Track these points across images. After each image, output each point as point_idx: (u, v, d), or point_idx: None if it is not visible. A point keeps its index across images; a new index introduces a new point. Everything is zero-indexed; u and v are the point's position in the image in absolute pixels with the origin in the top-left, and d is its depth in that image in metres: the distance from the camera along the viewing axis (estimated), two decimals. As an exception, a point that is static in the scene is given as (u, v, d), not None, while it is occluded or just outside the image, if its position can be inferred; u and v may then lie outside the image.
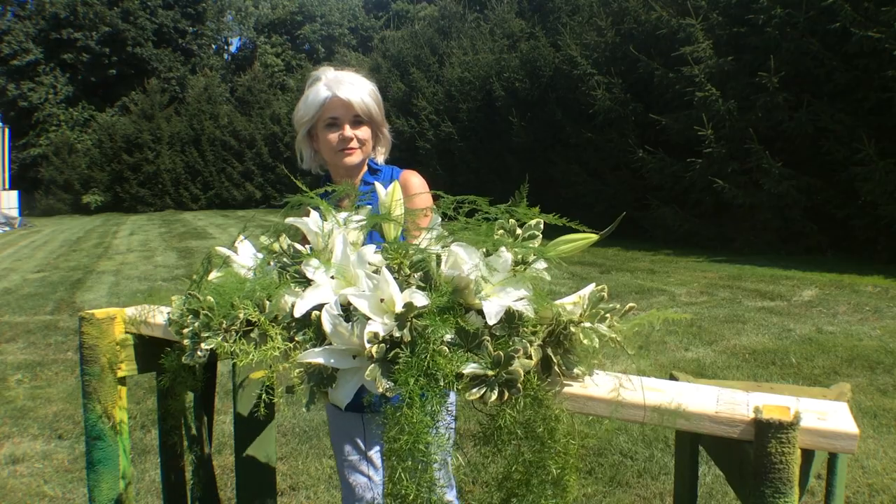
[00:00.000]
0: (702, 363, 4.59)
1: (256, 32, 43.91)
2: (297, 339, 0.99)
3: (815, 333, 5.20)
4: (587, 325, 0.92)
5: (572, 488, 0.90)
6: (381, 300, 0.94)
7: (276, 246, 1.18)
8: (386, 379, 0.89)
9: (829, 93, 9.09)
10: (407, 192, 1.64)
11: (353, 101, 1.64)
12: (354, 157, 1.69)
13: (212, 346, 1.03)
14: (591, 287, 0.97)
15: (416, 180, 1.71)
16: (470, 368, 0.88)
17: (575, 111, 13.08)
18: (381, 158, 1.78)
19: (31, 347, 5.57)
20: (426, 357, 0.87)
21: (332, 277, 1.03)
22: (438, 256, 1.00)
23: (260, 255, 1.20)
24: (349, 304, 0.97)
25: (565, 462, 0.90)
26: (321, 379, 0.97)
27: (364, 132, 1.69)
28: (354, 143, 1.67)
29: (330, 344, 0.96)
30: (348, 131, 1.65)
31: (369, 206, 1.33)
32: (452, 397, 1.53)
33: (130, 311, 1.41)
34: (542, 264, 1.00)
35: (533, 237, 1.04)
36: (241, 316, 1.03)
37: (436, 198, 1.16)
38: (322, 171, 1.81)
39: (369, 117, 1.68)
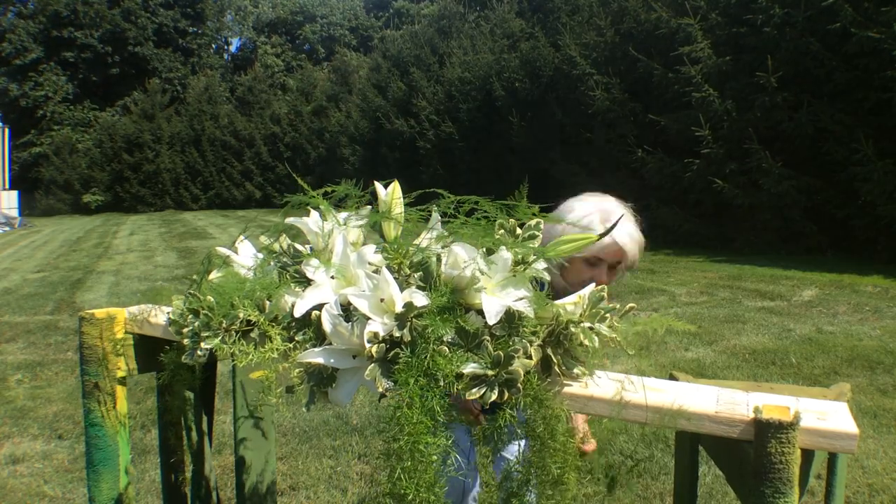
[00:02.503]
0: (702, 363, 4.59)
1: (256, 32, 43.93)
2: (296, 338, 0.99)
3: (815, 333, 5.20)
4: (587, 325, 0.92)
5: (571, 486, 0.91)
6: (381, 300, 0.94)
7: (276, 246, 1.18)
8: (386, 379, 0.89)
9: (828, 93, 9.09)
10: None
11: (626, 251, 1.63)
12: None
13: (211, 345, 1.03)
14: (591, 287, 0.97)
15: None
16: (470, 368, 0.88)
17: (575, 111, 13.09)
18: None
19: (31, 347, 5.57)
20: (426, 357, 0.87)
21: (332, 277, 1.03)
22: (438, 256, 1.00)
23: (260, 255, 1.20)
24: (349, 303, 0.97)
25: (564, 461, 0.90)
26: (321, 379, 0.97)
27: (613, 275, 1.68)
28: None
29: (330, 344, 0.96)
30: (604, 276, 1.64)
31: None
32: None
33: (132, 311, 1.41)
34: (542, 264, 1.00)
35: (533, 237, 1.04)
36: (241, 316, 1.03)
37: (436, 196, 1.16)
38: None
39: (628, 266, 1.68)
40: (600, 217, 1.65)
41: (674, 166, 10.82)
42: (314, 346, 0.98)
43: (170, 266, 10.52)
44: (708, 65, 10.13)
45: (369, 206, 1.19)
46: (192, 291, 1.15)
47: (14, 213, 24.38)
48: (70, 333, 5.95)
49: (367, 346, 0.90)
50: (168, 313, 1.21)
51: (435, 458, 0.85)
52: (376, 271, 0.98)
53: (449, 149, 17.69)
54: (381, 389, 0.89)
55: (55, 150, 31.32)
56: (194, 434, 1.56)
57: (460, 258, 0.96)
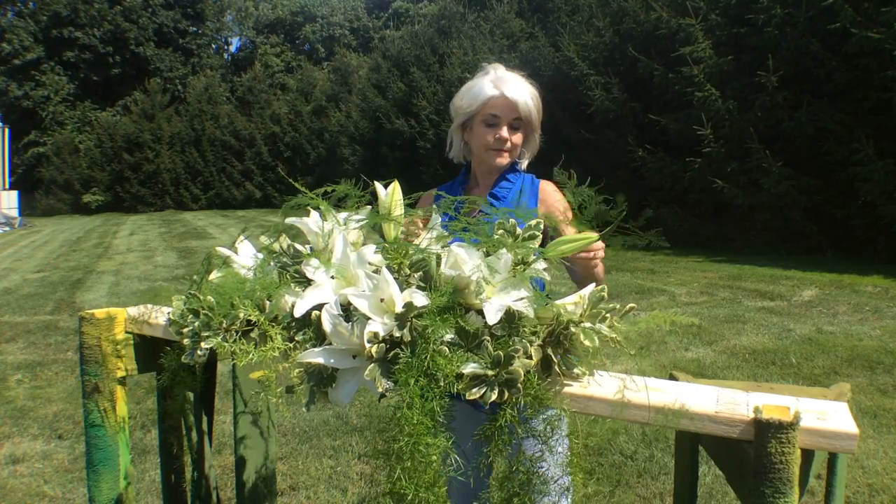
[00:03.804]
0: (702, 363, 4.59)
1: (256, 32, 43.93)
2: (297, 338, 0.99)
3: (815, 333, 5.20)
4: (587, 325, 0.92)
5: (578, 487, 0.91)
6: (381, 300, 0.94)
7: (276, 246, 1.18)
8: (386, 379, 0.89)
9: (829, 93, 9.10)
10: (546, 198, 1.73)
11: (518, 103, 1.66)
12: (503, 160, 1.71)
13: (212, 345, 1.03)
14: (592, 287, 0.97)
15: (551, 188, 1.76)
16: (470, 368, 0.87)
17: (574, 111, 13.09)
18: (524, 163, 1.80)
19: (31, 347, 5.57)
20: (426, 357, 0.87)
21: (332, 277, 1.03)
22: (438, 256, 1.00)
23: (260, 255, 1.20)
24: (349, 303, 0.97)
25: (569, 461, 0.90)
26: (321, 379, 0.97)
27: (518, 138, 1.71)
28: (507, 146, 1.69)
29: (330, 344, 0.96)
30: (505, 132, 1.68)
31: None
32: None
33: (133, 311, 1.41)
34: (542, 264, 1.00)
35: (533, 237, 1.04)
36: (241, 316, 1.03)
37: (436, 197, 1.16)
38: (464, 161, 1.84)
39: (528, 121, 1.70)
40: (490, 79, 1.69)
41: (674, 166, 10.82)
42: (314, 346, 0.97)
43: (170, 266, 10.52)
44: (709, 64, 10.13)
45: (369, 207, 1.19)
46: (192, 291, 1.15)
47: (14, 213, 24.37)
48: (70, 333, 5.95)
49: (367, 346, 0.90)
50: (168, 313, 1.21)
51: (435, 458, 0.85)
52: (376, 271, 0.98)
53: (449, 149, 17.68)
54: (381, 390, 0.89)
55: (56, 151, 31.31)
56: (194, 434, 1.56)
57: (460, 258, 0.96)
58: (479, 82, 1.72)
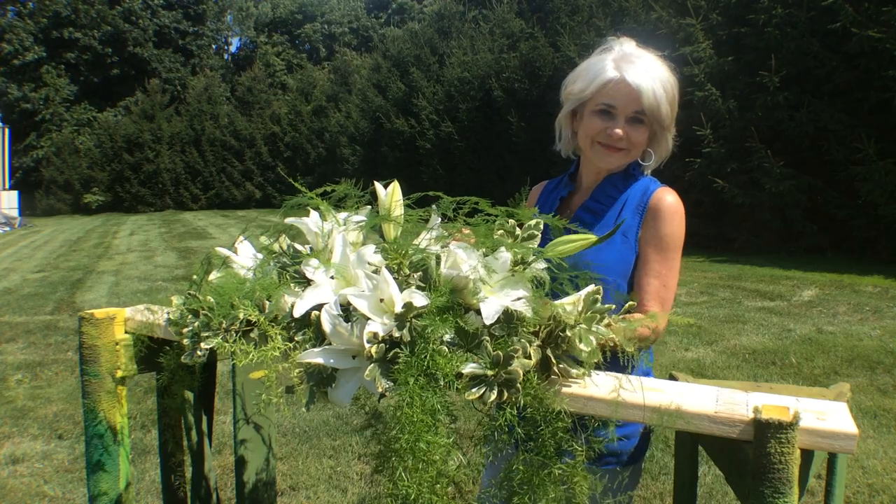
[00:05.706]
0: (702, 363, 4.59)
1: (257, 32, 43.96)
2: (296, 339, 0.99)
3: (815, 333, 5.20)
4: (583, 326, 0.92)
5: (582, 490, 0.90)
6: (381, 300, 0.94)
7: (275, 246, 1.18)
8: (385, 379, 0.89)
9: (829, 93, 9.10)
10: (657, 215, 1.35)
11: (641, 91, 1.31)
12: (613, 160, 1.38)
13: (212, 345, 1.03)
14: (590, 288, 0.97)
15: (671, 201, 1.36)
16: (469, 368, 0.88)
17: (574, 111, 13.10)
18: (649, 168, 1.44)
19: (31, 347, 5.56)
20: (426, 357, 0.87)
21: (332, 277, 1.03)
22: (438, 257, 1.00)
23: (260, 256, 1.20)
24: (349, 304, 0.97)
25: (574, 463, 0.90)
26: (321, 379, 0.97)
27: (640, 134, 1.36)
28: (623, 144, 1.36)
29: (329, 344, 0.96)
30: (619, 128, 1.34)
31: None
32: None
33: (132, 311, 1.41)
34: (541, 265, 1.00)
35: (532, 237, 1.04)
36: (241, 316, 1.03)
37: (436, 198, 1.16)
38: (574, 157, 1.56)
39: (654, 117, 1.35)
40: (612, 58, 1.36)
41: (674, 166, 10.81)
42: (314, 346, 0.97)
43: (170, 266, 10.52)
44: (709, 64, 10.14)
45: (369, 207, 1.19)
46: (191, 292, 1.15)
47: (14, 213, 24.37)
48: (70, 333, 5.95)
49: (367, 346, 0.90)
50: (168, 313, 1.21)
51: (437, 456, 0.85)
52: (376, 271, 0.98)
53: (449, 149, 17.70)
54: (380, 390, 0.89)
55: (56, 151, 31.33)
56: (194, 434, 1.56)
57: (459, 259, 0.96)
58: (598, 60, 1.37)
